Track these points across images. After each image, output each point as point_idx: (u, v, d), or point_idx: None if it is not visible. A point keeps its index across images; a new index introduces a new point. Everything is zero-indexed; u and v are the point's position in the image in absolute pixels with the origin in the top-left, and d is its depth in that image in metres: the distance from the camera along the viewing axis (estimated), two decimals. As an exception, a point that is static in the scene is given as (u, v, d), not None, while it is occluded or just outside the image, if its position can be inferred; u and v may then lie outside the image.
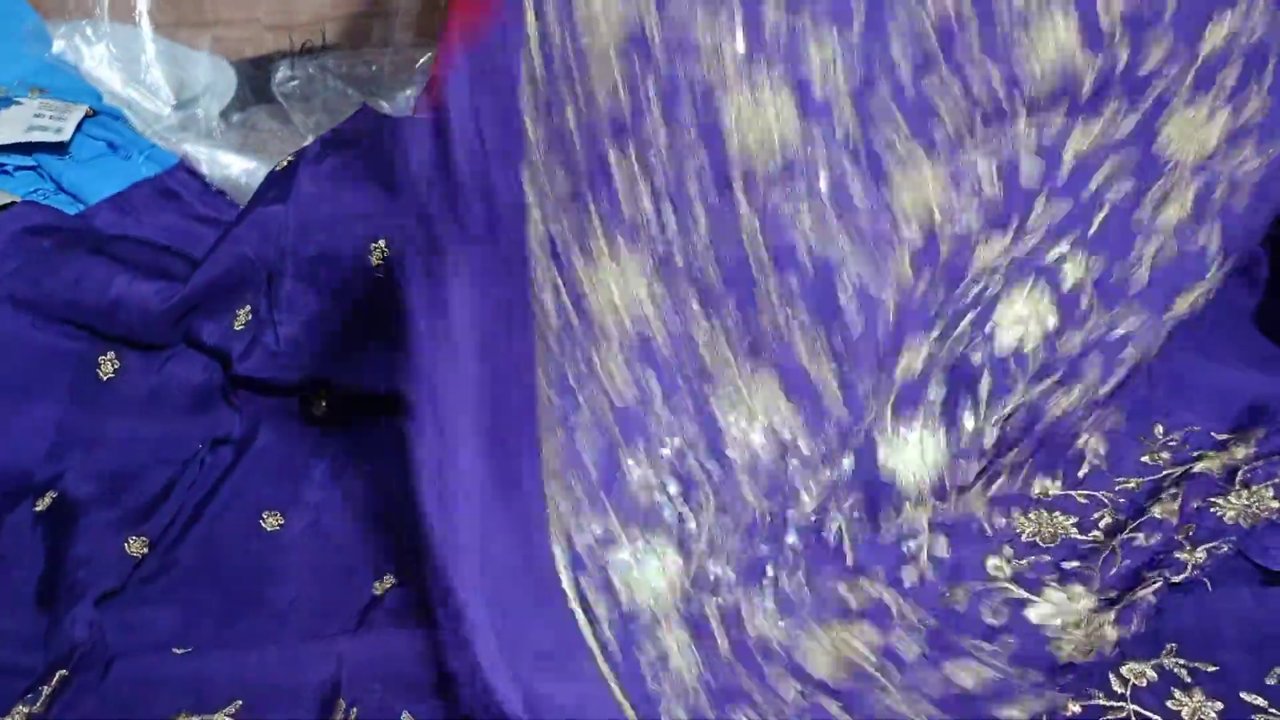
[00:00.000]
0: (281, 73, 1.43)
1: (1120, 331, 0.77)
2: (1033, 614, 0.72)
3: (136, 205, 1.10)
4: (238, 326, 0.94)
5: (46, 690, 0.71)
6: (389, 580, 0.81)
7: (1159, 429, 0.84)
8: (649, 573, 0.67)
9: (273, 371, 0.93)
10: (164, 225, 1.08)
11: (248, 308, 0.95)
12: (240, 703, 0.71)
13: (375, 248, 0.93)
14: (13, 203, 1.07)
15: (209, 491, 0.88)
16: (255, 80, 1.49)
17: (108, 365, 0.92)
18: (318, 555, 0.84)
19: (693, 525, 0.69)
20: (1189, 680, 0.67)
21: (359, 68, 1.39)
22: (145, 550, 0.83)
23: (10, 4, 1.33)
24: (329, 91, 1.39)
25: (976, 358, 0.75)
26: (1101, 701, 0.66)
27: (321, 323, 0.94)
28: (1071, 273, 0.76)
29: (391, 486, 0.88)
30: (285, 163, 0.98)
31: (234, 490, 0.89)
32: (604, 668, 0.64)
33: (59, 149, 1.16)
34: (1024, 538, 0.78)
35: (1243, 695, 0.66)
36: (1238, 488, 0.76)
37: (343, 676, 0.72)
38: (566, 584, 0.66)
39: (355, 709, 0.69)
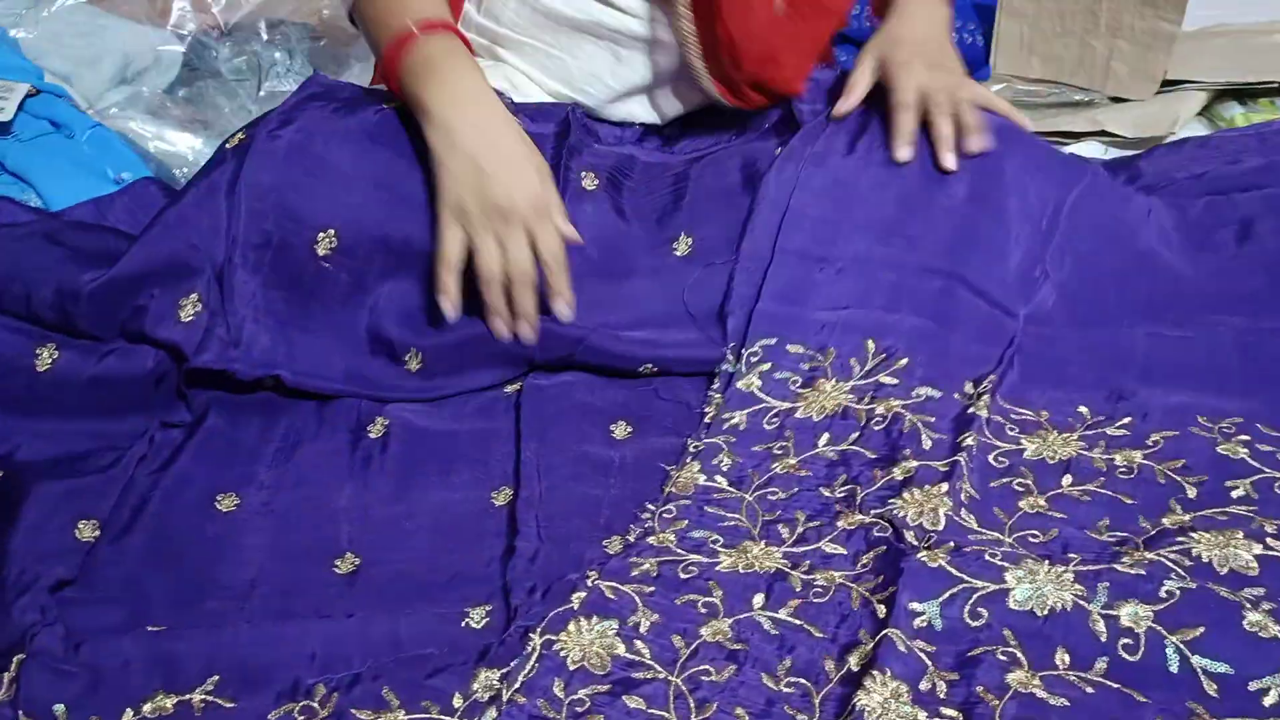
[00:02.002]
0: (227, 46, 1.42)
1: None
2: None
3: (117, 204, 1.07)
4: (185, 317, 0.91)
5: (8, 676, 0.70)
6: (351, 559, 0.81)
7: None
8: None
9: (230, 363, 0.91)
10: (141, 220, 1.03)
11: (194, 296, 0.92)
12: (217, 678, 0.71)
13: (323, 237, 0.92)
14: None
15: (159, 470, 0.87)
16: (200, 54, 1.47)
17: (45, 356, 0.88)
18: (274, 535, 0.84)
19: None
20: None
21: (304, 41, 1.38)
22: (96, 534, 0.82)
23: (-52, -17, 1.32)
24: (275, 65, 1.38)
25: None
26: None
27: (268, 314, 0.92)
28: None
29: (342, 463, 0.89)
30: (238, 139, 0.95)
31: (184, 471, 0.88)
32: None
33: (1, 129, 1.14)
34: None
35: None
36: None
37: (318, 659, 0.72)
38: None
39: (336, 694, 0.70)
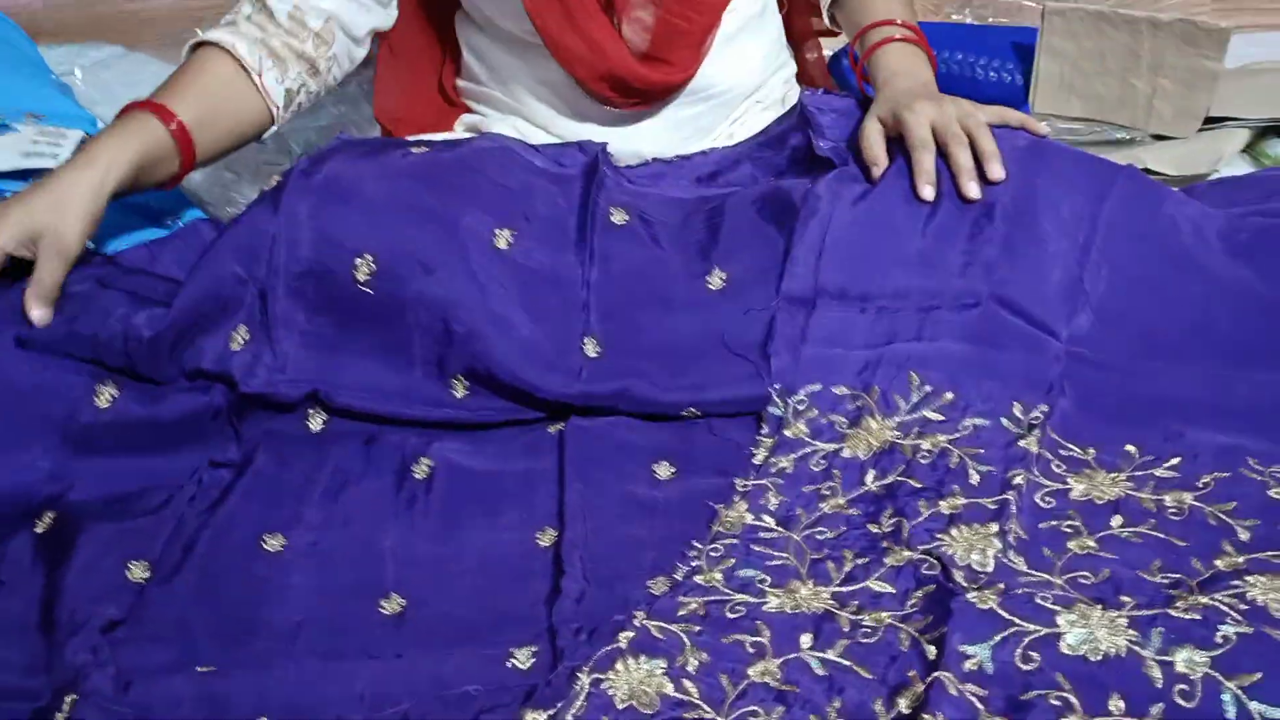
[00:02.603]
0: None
1: None
2: None
3: (169, 246, 1.10)
4: (235, 347, 0.94)
5: (61, 716, 0.71)
6: (397, 600, 0.81)
7: None
8: None
9: (278, 387, 0.93)
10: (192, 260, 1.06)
11: (243, 327, 0.95)
12: (265, 719, 0.71)
13: (361, 263, 0.94)
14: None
15: (208, 510, 0.88)
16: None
17: (105, 395, 0.91)
18: (321, 575, 0.84)
19: None
20: None
21: (351, 86, 1.40)
22: (147, 574, 0.83)
23: (6, 32, 1.35)
24: (323, 110, 1.40)
25: None
26: None
27: (314, 340, 0.95)
28: None
29: (387, 504, 0.89)
30: (275, 181, 0.99)
31: (233, 512, 0.88)
32: None
33: (55, 175, 1.16)
34: None
35: None
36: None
37: (365, 700, 0.73)
38: None
39: None
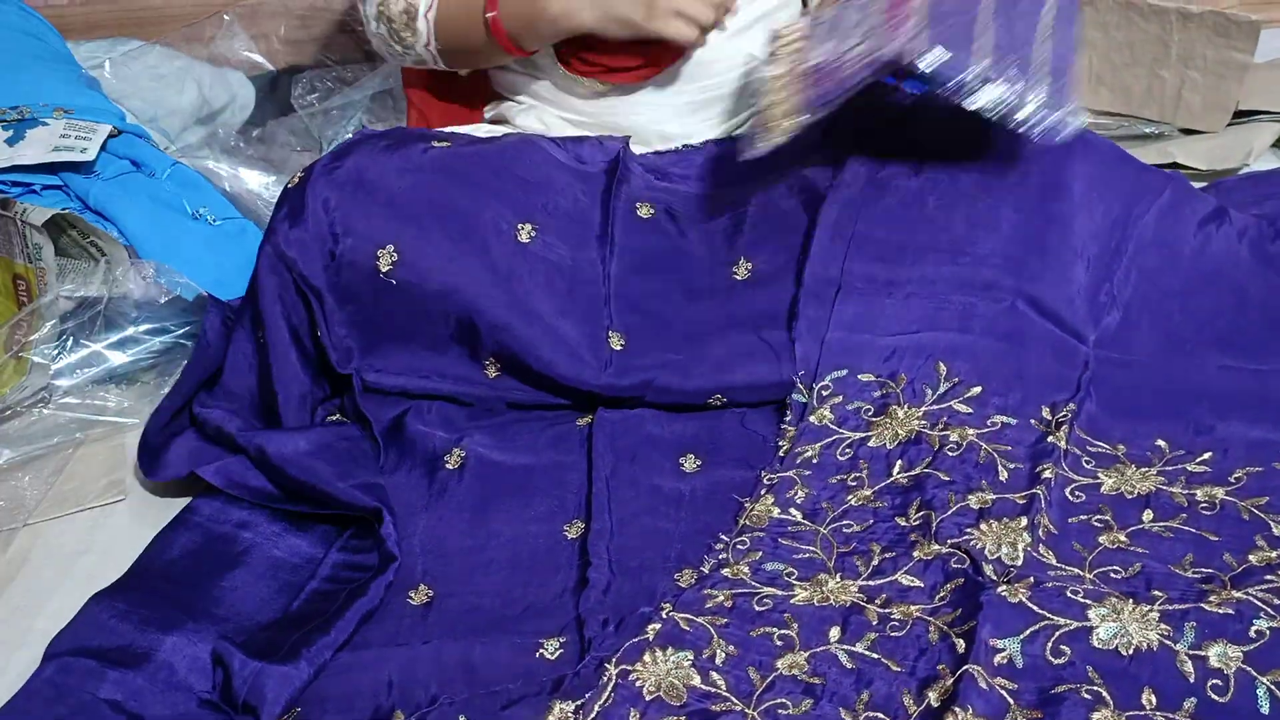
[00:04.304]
0: (300, 87, 1.45)
1: None
2: None
3: None
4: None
5: None
6: (425, 590, 0.82)
7: None
8: None
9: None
10: None
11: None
12: (299, 709, 0.72)
13: (383, 254, 0.94)
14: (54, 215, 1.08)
15: None
16: (274, 95, 1.50)
17: None
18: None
19: None
20: None
21: (375, 81, 1.40)
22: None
23: (35, 26, 1.35)
24: (347, 105, 1.40)
25: None
26: None
27: (354, 328, 0.97)
28: None
29: (419, 496, 0.90)
30: (296, 179, 0.99)
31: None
32: None
33: (84, 168, 1.17)
34: None
35: None
36: None
37: (395, 686, 0.73)
38: None
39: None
